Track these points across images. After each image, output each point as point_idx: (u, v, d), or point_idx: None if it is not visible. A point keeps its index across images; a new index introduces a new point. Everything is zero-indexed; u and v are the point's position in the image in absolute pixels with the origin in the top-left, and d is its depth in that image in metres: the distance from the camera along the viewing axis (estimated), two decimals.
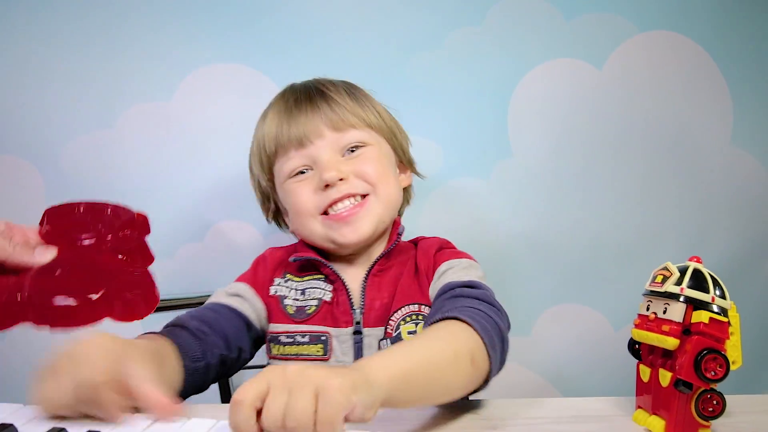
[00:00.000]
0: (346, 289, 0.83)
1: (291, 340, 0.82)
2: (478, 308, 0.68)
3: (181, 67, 1.17)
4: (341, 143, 0.85)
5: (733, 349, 0.56)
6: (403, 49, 1.21)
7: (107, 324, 0.55)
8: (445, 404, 0.62)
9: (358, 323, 0.81)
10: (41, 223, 0.59)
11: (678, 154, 1.27)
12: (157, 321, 1.04)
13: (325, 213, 0.84)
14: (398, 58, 1.21)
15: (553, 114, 1.24)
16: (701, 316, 0.55)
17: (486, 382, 0.64)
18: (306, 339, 0.81)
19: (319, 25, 1.19)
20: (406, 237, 0.91)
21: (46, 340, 1.18)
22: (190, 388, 0.71)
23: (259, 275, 0.88)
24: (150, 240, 1.16)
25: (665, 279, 0.58)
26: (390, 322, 0.81)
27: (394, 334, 0.81)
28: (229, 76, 1.17)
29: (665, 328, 0.56)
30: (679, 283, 0.57)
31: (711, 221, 1.29)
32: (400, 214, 0.96)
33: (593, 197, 1.26)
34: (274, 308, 0.84)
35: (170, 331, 0.74)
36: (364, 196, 0.85)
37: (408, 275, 0.86)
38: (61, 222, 0.58)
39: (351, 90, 0.89)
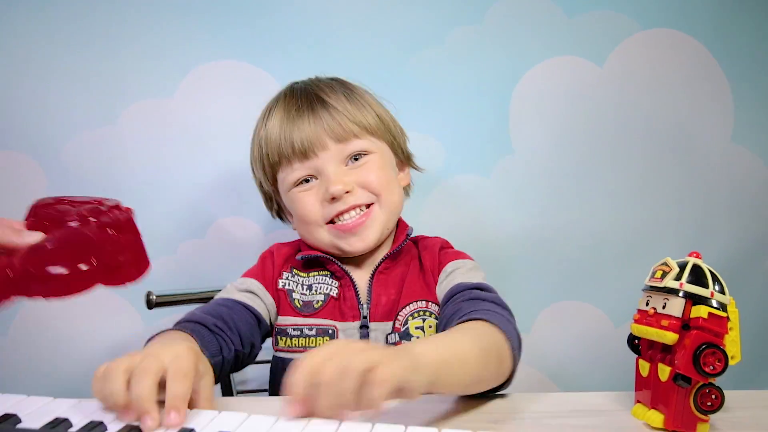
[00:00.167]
0: (354, 285, 0.86)
1: (299, 332, 0.84)
2: (500, 312, 0.72)
3: (182, 64, 1.17)
4: (345, 153, 0.86)
5: (732, 344, 0.56)
6: (404, 47, 1.21)
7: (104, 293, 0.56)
8: (451, 399, 0.64)
9: (365, 318, 0.84)
10: (27, 216, 0.59)
11: (679, 152, 1.28)
12: (158, 317, 1.06)
13: (331, 221, 0.86)
14: (399, 55, 1.21)
15: (554, 112, 1.24)
16: (700, 311, 0.55)
17: (509, 380, 0.68)
18: (313, 332, 0.83)
19: (320, 23, 1.19)
20: None
21: (47, 336, 1.20)
22: None
23: (267, 270, 0.89)
24: (152, 236, 1.16)
25: (665, 274, 0.58)
26: (398, 317, 0.84)
27: (402, 329, 0.84)
28: (231, 73, 1.18)
29: (664, 323, 0.56)
30: (678, 278, 0.57)
31: (711, 218, 1.29)
32: None
33: (594, 194, 1.26)
34: (283, 302, 0.87)
35: (191, 327, 0.74)
36: (368, 205, 0.87)
37: (414, 273, 0.89)
38: (47, 211, 0.59)
39: (349, 93, 0.90)
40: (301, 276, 0.89)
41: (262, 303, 0.86)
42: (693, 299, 0.56)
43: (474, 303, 0.75)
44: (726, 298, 0.57)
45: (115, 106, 1.16)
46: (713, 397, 0.56)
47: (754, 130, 1.30)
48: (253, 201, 1.02)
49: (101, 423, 0.46)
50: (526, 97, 1.23)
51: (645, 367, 0.60)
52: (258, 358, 0.91)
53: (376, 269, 0.87)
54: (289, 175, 0.87)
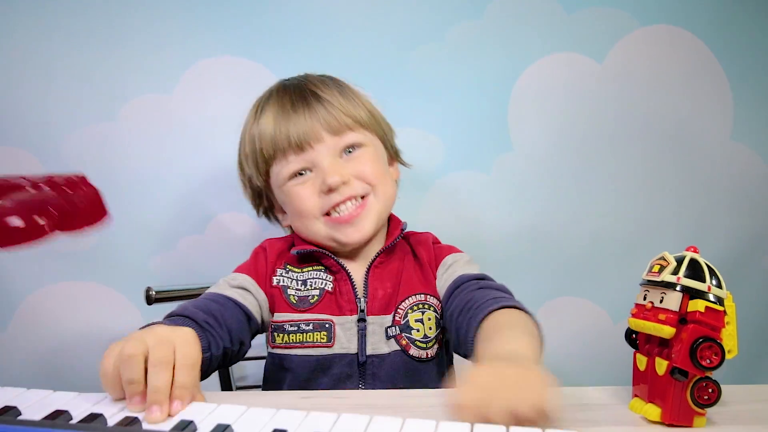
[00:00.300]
0: (350, 279, 0.86)
1: (295, 328, 0.84)
2: (517, 301, 0.74)
3: (182, 59, 1.17)
4: (339, 145, 0.87)
5: (728, 337, 0.57)
6: (404, 43, 1.21)
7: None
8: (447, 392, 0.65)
9: (362, 311, 0.84)
10: None
11: (678, 149, 1.28)
12: (159, 313, 1.05)
13: (327, 214, 0.86)
14: (399, 52, 1.21)
15: (554, 108, 1.24)
16: (697, 305, 0.55)
17: None
18: (310, 327, 0.83)
19: (321, 18, 1.19)
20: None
21: (45, 331, 1.20)
22: None
23: (260, 266, 0.89)
24: (151, 232, 1.18)
25: (662, 268, 0.58)
26: (398, 310, 0.85)
27: (402, 322, 0.84)
28: (231, 68, 1.18)
29: (662, 316, 0.57)
30: (675, 272, 0.57)
31: (710, 215, 1.29)
32: None
33: (593, 191, 1.26)
34: (278, 298, 0.86)
35: (181, 322, 0.74)
36: (363, 196, 0.87)
37: (410, 267, 0.90)
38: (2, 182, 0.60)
39: (341, 88, 0.91)
40: (295, 272, 0.88)
41: (254, 300, 0.85)
42: (690, 293, 0.56)
43: (487, 291, 0.78)
44: (723, 293, 0.57)
45: (114, 101, 1.16)
46: (710, 390, 0.56)
47: (753, 127, 1.30)
48: None
49: (101, 415, 0.47)
50: (526, 93, 1.23)
51: (642, 362, 0.61)
52: (255, 355, 0.92)
53: (371, 263, 0.88)
54: (283, 168, 0.87)
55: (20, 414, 0.48)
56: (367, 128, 0.90)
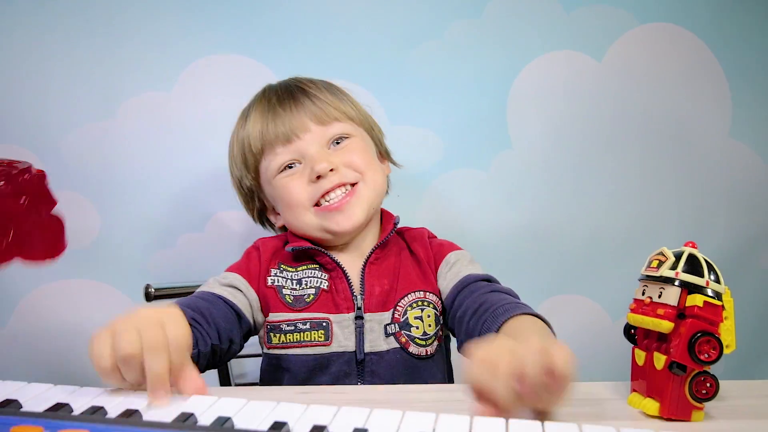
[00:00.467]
0: (346, 276, 0.85)
1: (292, 327, 0.83)
2: (532, 309, 0.74)
3: (181, 58, 1.17)
4: (327, 136, 0.87)
5: (726, 332, 0.57)
6: (403, 41, 1.21)
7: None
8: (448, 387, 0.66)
9: (359, 308, 0.84)
10: None
11: (676, 146, 1.28)
12: None
13: (317, 204, 0.86)
14: (398, 49, 1.21)
15: (553, 106, 1.25)
16: (696, 300, 0.55)
17: None
18: (307, 326, 0.83)
19: (320, 16, 1.19)
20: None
21: (44, 327, 1.20)
22: None
23: (253, 265, 0.89)
24: (150, 229, 1.18)
25: (661, 264, 0.59)
26: (398, 307, 0.85)
27: (401, 320, 0.84)
28: (229, 67, 1.18)
29: (660, 311, 0.57)
30: (674, 267, 0.57)
31: (709, 213, 1.30)
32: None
33: (592, 189, 1.27)
34: (273, 298, 0.86)
35: None
36: (353, 184, 0.87)
37: (407, 263, 0.90)
38: None
39: (328, 86, 0.92)
40: (289, 271, 0.88)
41: (245, 298, 0.85)
42: (688, 288, 0.56)
43: (501, 296, 0.78)
44: (721, 287, 0.57)
45: (113, 99, 1.16)
46: (708, 385, 0.56)
47: (751, 125, 1.31)
48: None
49: (101, 408, 0.47)
50: (525, 91, 1.24)
51: (641, 357, 0.61)
52: (255, 352, 0.91)
53: (367, 259, 0.87)
54: (272, 161, 0.87)
55: (21, 407, 0.48)
56: (355, 121, 0.91)
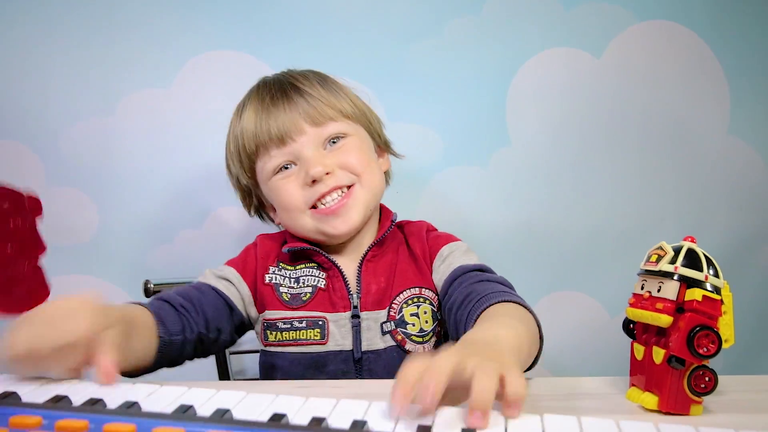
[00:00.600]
0: (342, 275, 0.85)
1: (288, 325, 0.83)
2: (519, 297, 0.72)
3: (180, 54, 1.17)
4: (322, 137, 0.85)
5: (725, 327, 0.57)
6: (402, 38, 1.21)
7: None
8: None
9: (355, 307, 0.83)
10: None
11: (675, 144, 1.28)
12: None
13: (314, 207, 0.85)
14: (397, 46, 1.21)
15: (551, 103, 1.25)
16: (694, 294, 0.56)
17: (535, 362, 0.68)
18: (303, 324, 0.83)
19: (319, 13, 1.19)
20: None
21: None
22: (164, 359, 0.73)
23: (249, 261, 0.89)
24: (149, 225, 1.18)
25: (660, 258, 0.59)
26: (393, 305, 0.84)
27: (397, 317, 0.83)
28: (228, 63, 1.18)
29: (659, 306, 0.57)
30: (673, 261, 0.57)
31: (708, 210, 1.30)
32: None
33: (591, 186, 1.27)
34: (270, 296, 0.86)
35: (153, 303, 0.76)
36: (349, 186, 0.86)
37: (403, 260, 0.89)
38: None
39: (323, 81, 0.90)
40: (287, 269, 0.88)
41: (237, 292, 0.85)
42: (687, 282, 0.56)
43: (489, 285, 0.76)
44: (720, 282, 0.57)
45: (112, 96, 1.16)
46: (707, 379, 0.56)
47: (750, 122, 1.31)
48: None
49: (101, 400, 0.47)
50: (524, 88, 1.24)
51: (640, 351, 0.61)
52: (251, 349, 0.91)
53: (363, 258, 0.87)
54: (267, 163, 0.86)
55: (20, 399, 0.48)
56: (351, 118, 0.89)
